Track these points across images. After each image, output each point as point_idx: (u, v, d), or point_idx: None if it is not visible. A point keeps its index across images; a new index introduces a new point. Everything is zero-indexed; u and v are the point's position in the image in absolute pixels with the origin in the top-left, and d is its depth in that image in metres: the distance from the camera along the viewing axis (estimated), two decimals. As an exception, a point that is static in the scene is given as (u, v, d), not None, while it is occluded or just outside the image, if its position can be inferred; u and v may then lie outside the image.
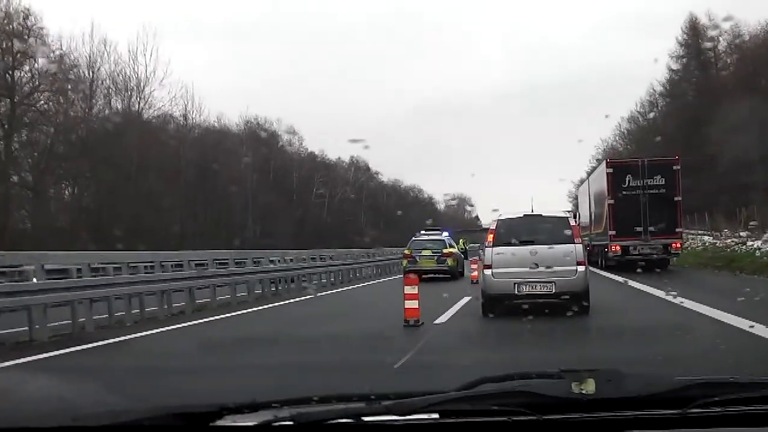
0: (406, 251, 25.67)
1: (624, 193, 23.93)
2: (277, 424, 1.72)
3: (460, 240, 50.16)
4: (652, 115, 55.18)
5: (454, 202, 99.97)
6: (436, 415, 1.72)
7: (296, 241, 51.01)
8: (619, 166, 25.23)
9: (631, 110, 58.79)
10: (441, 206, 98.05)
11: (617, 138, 62.73)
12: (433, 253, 24.75)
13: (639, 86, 68.15)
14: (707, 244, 34.24)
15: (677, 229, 24.07)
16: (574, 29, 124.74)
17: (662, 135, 46.56)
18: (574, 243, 11.87)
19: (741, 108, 35.50)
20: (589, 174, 32.09)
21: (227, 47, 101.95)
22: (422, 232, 27.53)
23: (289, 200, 61.41)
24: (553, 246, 11.81)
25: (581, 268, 11.75)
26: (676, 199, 23.76)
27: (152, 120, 46.77)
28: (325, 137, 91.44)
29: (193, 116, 51.28)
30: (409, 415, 1.71)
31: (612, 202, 24.31)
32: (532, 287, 11.69)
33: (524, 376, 1.93)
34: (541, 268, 11.64)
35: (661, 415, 1.68)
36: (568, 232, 11.96)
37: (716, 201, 37.38)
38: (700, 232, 38.44)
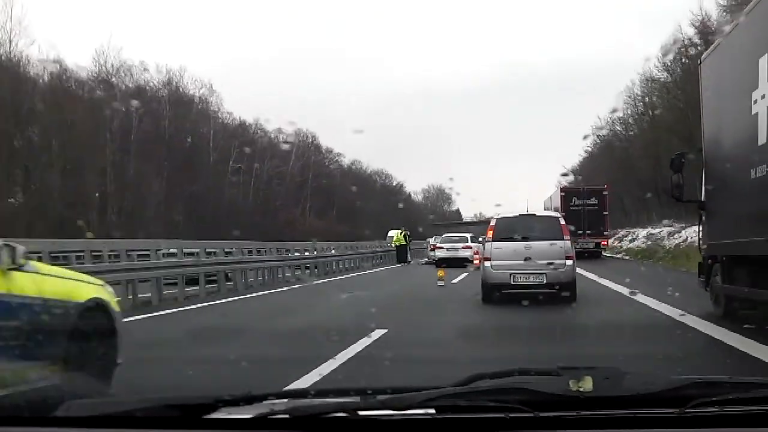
0: None
1: (571, 208, 35.15)
2: (272, 417, 1.71)
3: (398, 231, 38.26)
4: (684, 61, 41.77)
5: (441, 185, 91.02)
6: (432, 411, 1.71)
7: (189, 227, 40.81)
8: (568, 191, 37.74)
9: (649, 65, 47.19)
10: (418, 196, 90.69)
11: (628, 107, 53.32)
12: None
13: (631, 74, 64.97)
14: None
15: (605, 233, 36.55)
16: (566, 14, 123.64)
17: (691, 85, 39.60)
18: (563, 239, 13.27)
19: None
20: (551, 195, 43.45)
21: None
22: None
23: (191, 175, 46.72)
24: (545, 242, 13.18)
25: (569, 262, 13.13)
26: (604, 213, 36.11)
27: None
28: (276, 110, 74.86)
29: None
30: (405, 410, 1.70)
31: (564, 214, 39.57)
32: (526, 278, 13.06)
33: (522, 373, 1.92)
34: (534, 261, 13.01)
35: (658, 414, 1.67)
36: (558, 229, 13.45)
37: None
38: None
